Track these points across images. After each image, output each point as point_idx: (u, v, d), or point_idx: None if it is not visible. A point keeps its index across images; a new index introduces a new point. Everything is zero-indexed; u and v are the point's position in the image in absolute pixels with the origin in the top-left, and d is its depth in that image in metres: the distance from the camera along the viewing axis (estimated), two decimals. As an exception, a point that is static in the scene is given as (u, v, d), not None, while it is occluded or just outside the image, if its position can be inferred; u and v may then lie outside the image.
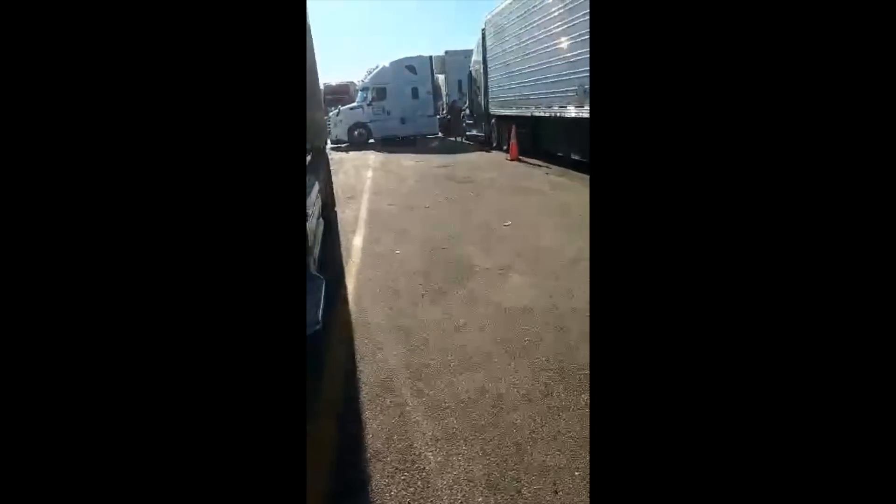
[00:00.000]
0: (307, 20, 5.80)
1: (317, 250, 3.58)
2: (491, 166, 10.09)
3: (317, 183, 4.42)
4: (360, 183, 8.81)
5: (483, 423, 2.10)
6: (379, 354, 2.75)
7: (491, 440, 1.99)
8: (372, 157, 12.89)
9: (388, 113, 16.31)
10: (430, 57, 16.86)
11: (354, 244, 4.94)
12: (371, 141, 16.33)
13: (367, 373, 2.56)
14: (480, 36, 13.03)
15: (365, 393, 2.39)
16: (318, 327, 2.40)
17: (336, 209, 6.49)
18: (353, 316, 3.28)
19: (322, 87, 22.77)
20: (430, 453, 1.95)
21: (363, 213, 6.32)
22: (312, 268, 3.18)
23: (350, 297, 3.59)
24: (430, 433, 2.07)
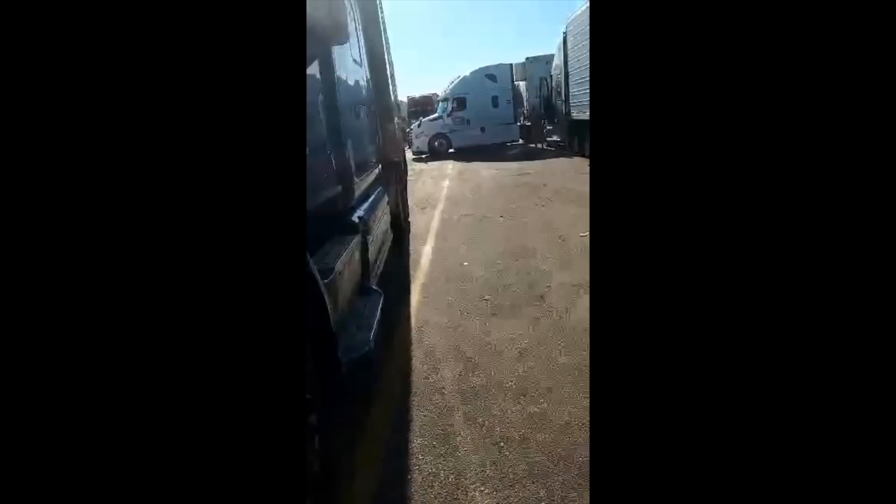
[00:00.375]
0: (385, 36, 5.91)
1: (380, 265, 3.54)
2: (570, 173, 9.65)
3: (385, 196, 4.41)
4: (436, 192, 8.83)
5: (540, 461, 1.88)
6: (434, 376, 2.61)
7: (549, 487, 1.77)
8: (450, 167, 12.94)
9: (468, 122, 16.34)
10: (511, 64, 16.67)
11: (423, 256, 4.89)
12: (451, 151, 16.45)
13: (421, 395, 2.44)
14: (561, 39, 12.63)
15: (417, 421, 2.26)
16: (369, 348, 2.32)
17: (409, 219, 6.52)
18: (413, 333, 3.18)
19: (406, 99, 23.58)
20: (479, 493, 1.77)
21: (435, 224, 6.27)
22: (373, 282, 3.13)
23: (412, 312, 3.50)
24: (480, 471, 1.89)
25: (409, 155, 15.31)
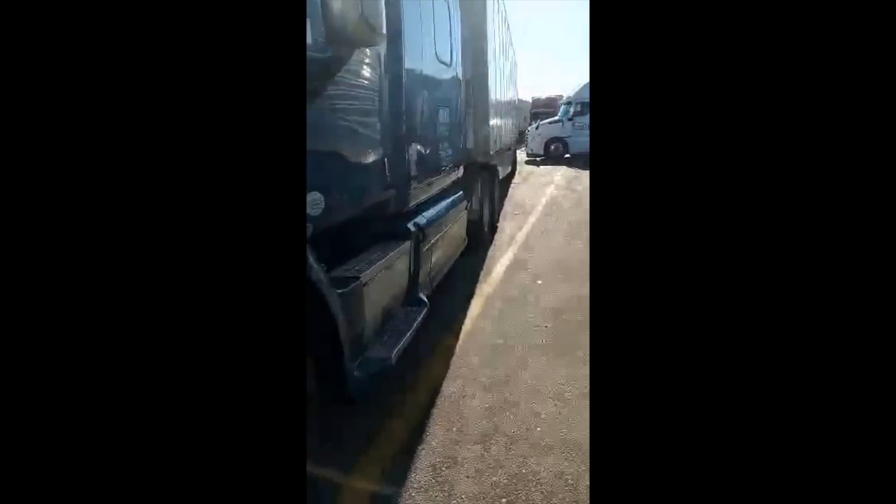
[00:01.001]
0: (495, 36, 5.74)
1: (439, 273, 3.42)
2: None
3: (464, 201, 4.28)
4: (536, 198, 8.48)
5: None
6: (459, 414, 2.43)
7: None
8: (560, 173, 12.39)
9: (589, 128, 15.54)
10: (645, 68, 15.48)
11: (497, 268, 4.67)
12: (567, 156, 15.79)
13: (436, 431, 2.27)
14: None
15: (420, 464, 2.10)
16: (388, 363, 2.21)
17: (498, 224, 6.32)
18: (456, 355, 3.01)
19: (530, 100, 23.19)
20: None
21: (522, 234, 5.99)
22: (424, 292, 3.01)
23: (464, 329, 3.33)
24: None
25: (521, 156, 15.01)
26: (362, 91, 2.23)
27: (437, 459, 2.04)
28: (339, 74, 1.91)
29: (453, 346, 3.07)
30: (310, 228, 1.97)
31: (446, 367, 2.82)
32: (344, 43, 1.67)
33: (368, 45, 1.75)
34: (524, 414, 2.33)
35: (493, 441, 2.14)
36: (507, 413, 2.34)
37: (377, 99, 2.36)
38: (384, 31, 1.69)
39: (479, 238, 5.20)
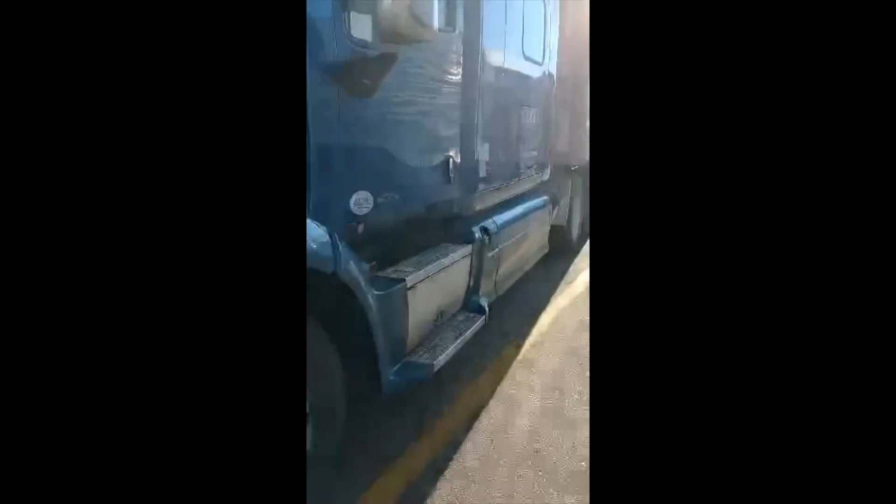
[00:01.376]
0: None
1: (506, 280, 3.27)
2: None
3: (548, 206, 4.06)
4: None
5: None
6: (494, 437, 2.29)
7: None
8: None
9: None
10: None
11: (579, 279, 4.37)
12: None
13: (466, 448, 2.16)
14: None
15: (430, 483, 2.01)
16: (428, 372, 2.14)
17: (590, 231, 5.94)
18: (510, 372, 2.85)
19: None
20: None
21: (616, 245, 5.56)
22: (487, 299, 2.90)
23: (525, 346, 3.14)
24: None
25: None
26: (427, 89, 2.18)
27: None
28: (399, 71, 1.88)
29: (509, 362, 2.92)
30: (360, 228, 1.97)
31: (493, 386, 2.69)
32: (394, 40, 1.62)
33: (419, 41, 1.69)
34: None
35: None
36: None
37: (445, 97, 2.30)
38: (435, 26, 1.61)
39: (567, 245, 4.93)
